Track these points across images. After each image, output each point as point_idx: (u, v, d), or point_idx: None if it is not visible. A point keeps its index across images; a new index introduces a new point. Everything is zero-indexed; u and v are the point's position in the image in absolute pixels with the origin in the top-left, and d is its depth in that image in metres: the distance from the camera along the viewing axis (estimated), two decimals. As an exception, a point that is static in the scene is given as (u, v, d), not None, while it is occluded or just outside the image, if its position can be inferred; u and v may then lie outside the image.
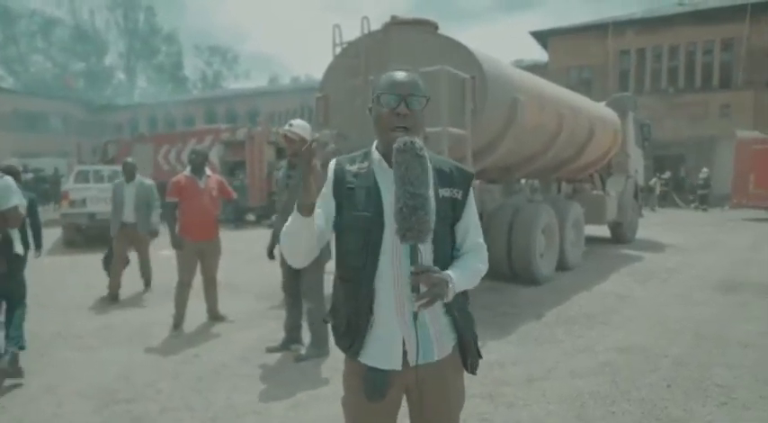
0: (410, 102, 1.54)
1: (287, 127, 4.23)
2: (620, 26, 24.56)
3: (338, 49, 6.71)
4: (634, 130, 11.38)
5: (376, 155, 1.63)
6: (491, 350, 4.32)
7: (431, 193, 1.47)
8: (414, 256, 1.48)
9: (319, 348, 4.22)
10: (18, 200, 3.68)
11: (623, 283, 6.98)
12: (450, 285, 1.48)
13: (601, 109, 9.63)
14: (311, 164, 1.44)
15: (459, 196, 1.62)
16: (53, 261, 8.35)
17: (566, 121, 7.48)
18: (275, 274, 4.58)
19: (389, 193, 1.50)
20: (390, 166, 1.50)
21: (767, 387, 3.55)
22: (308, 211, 1.48)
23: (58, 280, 5.77)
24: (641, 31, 24.26)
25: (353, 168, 1.62)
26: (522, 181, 8.72)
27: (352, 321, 1.60)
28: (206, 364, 4.13)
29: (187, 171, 5.18)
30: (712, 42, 23.18)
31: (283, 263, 4.39)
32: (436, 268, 1.49)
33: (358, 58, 6.38)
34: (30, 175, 18.55)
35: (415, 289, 1.45)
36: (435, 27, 6.17)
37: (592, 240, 10.57)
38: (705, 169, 20.17)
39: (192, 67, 78.90)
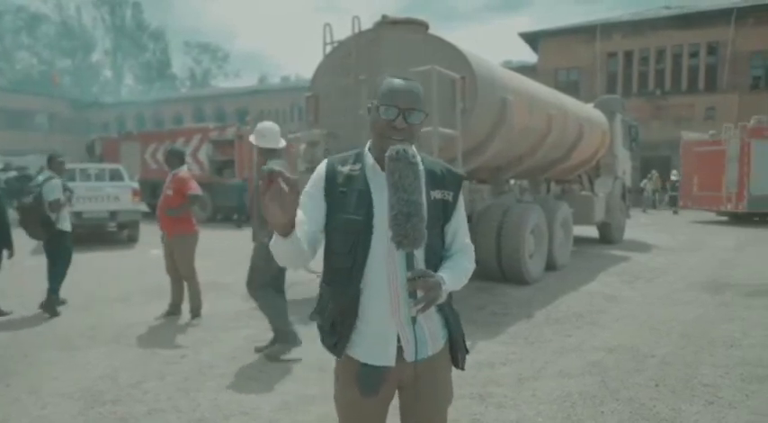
0: (409, 116, 1.54)
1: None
2: (608, 29, 24.78)
3: (329, 49, 6.68)
4: (621, 131, 11.48)
5: (369, 158, 1.62)
6: (481, 350, 4.33)
7: (424, 199, 1.48)
8: (409, 261, 1.49)
9: (283, 343, 4.18)
10: (59, 194, 5.48)
11: (611, 284, 7.03)
12: (444, 287, 1.50)
13: (589, 110, 9.70)
14: (270, 187, 1.30)
15: (450, 198, 1.64)
16: (38, 261, 8.23)
17: (554, 122, 7.53)
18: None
19: (381, 197, 1.52)
20: (383, 169, 1.50)
21: (753, 386, 3.59)
22: (283, 230, 1.39)
23: (43, 280, 5.69)
24: (629, 34, 24.50)
25: (345, 170, 1.61)
26: (512, 181, 8.75)
27: (336, 321, 1.61)
28: (193, 364, 4.08)
29: None
30: (698, 46, 23.47)
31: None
32: (431, 272, 1.50)
33: (349, 57, 6.36)
34: (13, 174, 18.26)
35: (412, 294, 1.46)
36: (426, 27, 6.17)
37: (580, 241, 10.65)
38: (674, 171, 20.18)
39: (180, 65, 78.43)
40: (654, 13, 25.68)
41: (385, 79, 1.60)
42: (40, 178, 5.65)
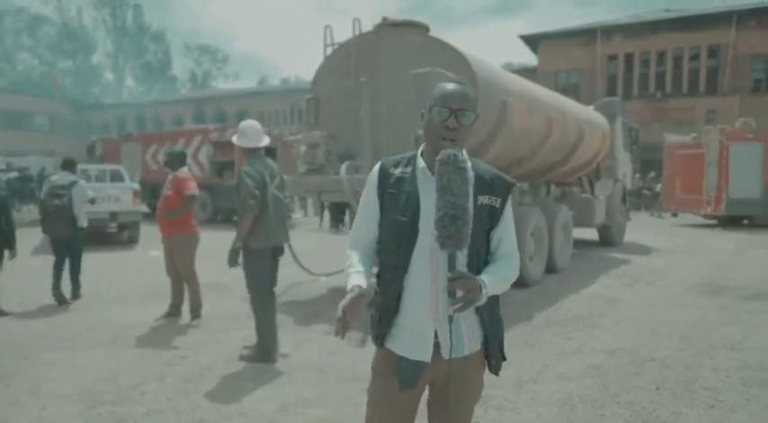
0: (460, 116, 1.62)
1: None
2: (609, 31, 24.82)
3: (329, 51, 6.68)
4: (622, 134, 11.47)
5: (421, 162, 1.70)
6: (480, 352, 4.31)
7: (470, 203, 1.54)
8: (451, 262, 1.54)
9: (260, 355, 4.12)
10: (91, 193, 6.23)
11: (611, 286, 7.02)
12: (484, 290, 1.56)
13: (589, 113, 9.70)
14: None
15: (498, 204, 1.70)
16: (39, 261, 8.23)
17: (555, 125, 7.52)
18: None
19: (428, 200, 1.59)
20: (434, 174, 1.56)
21: (754, 390, 3.59)
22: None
23: (43, 280, 5.68)
24: (629, 37, 24.53)
25: (397, 172, 1.71)
26: (512, 184, 8.73)
27: (382, 314, 1.71)
28: (192, 365, 4.08)
29: None
30: (699, 48, 23.50)
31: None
32: (471, 275, 1.56)
33: (349, 59, 6.37)
34: (14, 175, 18.28)
35: (451, 294, 1.52)
36: (426, 29, 6.17)
37: (580, 243, 10.64)
38: None
39: (181, 67, 78.47)
40: (654, 15, 25.74)
41: (438, 85, 1.68)
42: (63, 181, 6.02)
